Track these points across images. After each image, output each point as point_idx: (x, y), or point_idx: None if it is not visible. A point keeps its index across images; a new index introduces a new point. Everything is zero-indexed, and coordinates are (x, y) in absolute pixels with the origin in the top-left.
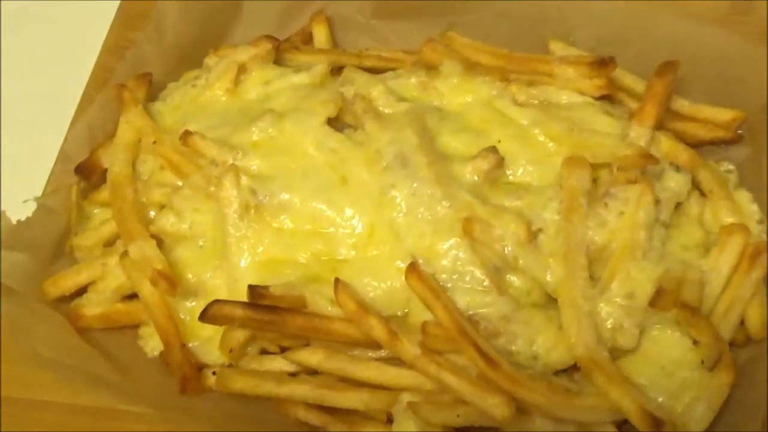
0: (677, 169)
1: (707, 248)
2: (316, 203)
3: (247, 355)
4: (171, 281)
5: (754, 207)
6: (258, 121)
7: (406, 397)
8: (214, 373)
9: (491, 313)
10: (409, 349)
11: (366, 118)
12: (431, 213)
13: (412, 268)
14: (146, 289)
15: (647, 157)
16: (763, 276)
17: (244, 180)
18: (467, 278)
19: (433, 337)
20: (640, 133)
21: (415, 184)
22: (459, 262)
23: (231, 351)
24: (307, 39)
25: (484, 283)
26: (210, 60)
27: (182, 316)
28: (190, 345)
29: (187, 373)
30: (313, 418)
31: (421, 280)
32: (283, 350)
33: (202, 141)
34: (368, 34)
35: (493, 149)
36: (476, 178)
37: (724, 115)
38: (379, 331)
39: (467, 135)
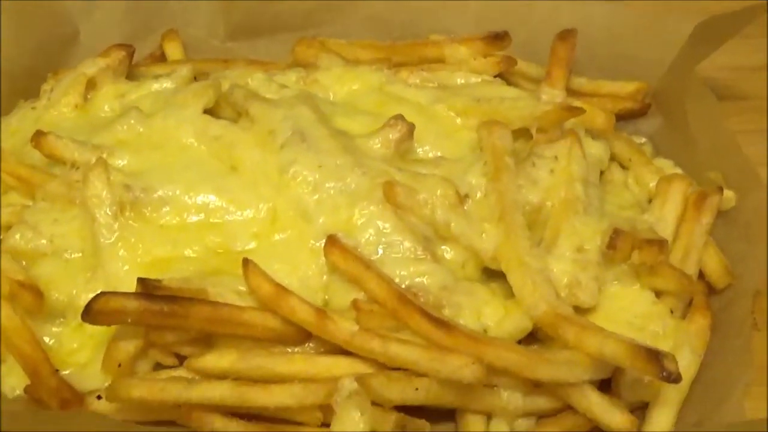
0: (594, 137)
1: (643, 209)
2: (203, 194)
3: (138, 374)
4: (36, 292)
5: (678, 171)
6: (122, 119)
7: (347, 382)
8: (99, 397)
9: (430, 283)
10: (344, 326)
11: (249, 103)
12: (343, 184)
13: (332, 242)
14: (3, 313)
15: (570, 109)
16: (712, 221)
17: (115, 176)
18: (397, 248)
19: (368, 314)
20: (553, 95)
21: (319, 156)
22: (385, 232)
23: (119, 366)
24: (159, 62)
25: (417, 252)
26: (48, 86)
27: (49, 342)
28: (63, 374)
29: (65, 396)
30: (234, 426)
31: (345, 252)
32: (181, 362)
33: (59, 140)
34: (225, 56)
35: (401, 117)
36: (386, 150)
37: (627, 87)
38: (304, 313)
39: (364, 117)
